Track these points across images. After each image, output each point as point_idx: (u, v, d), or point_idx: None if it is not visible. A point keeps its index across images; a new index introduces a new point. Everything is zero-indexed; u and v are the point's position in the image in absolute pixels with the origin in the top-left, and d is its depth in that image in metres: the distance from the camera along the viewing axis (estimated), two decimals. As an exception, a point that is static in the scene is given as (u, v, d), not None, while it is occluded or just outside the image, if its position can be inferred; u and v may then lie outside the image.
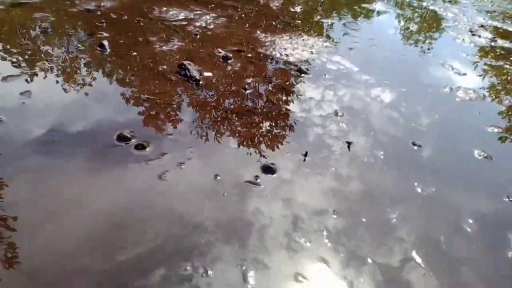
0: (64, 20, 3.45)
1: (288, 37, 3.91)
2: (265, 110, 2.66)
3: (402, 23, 4.94)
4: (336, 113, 2.70)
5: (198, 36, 3.57)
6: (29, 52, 2.89)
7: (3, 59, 2.72)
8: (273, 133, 2.44)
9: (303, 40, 3.90)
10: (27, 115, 2.24)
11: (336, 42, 3.96)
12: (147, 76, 2.84)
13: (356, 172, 2.18)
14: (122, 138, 2.16)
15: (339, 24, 4.53)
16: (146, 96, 2.60)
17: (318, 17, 4.66)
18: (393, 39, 4.31)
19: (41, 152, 2.03)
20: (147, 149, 2.13)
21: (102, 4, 3.82)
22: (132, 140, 2.17)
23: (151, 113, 2.46)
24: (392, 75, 3.37)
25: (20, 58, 2.78)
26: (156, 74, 2.88)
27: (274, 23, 4.27)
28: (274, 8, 4.70)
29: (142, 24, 3.59)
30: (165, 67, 2.98)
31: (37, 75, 2.59)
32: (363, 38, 4.10)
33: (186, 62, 2.96)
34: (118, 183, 1.91)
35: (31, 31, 3.20)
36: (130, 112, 2.44)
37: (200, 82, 2.86)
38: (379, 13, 5.12)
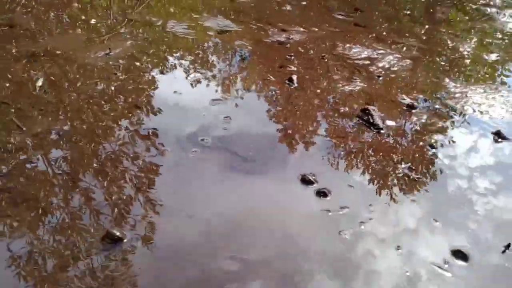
0: (259, 50, 3.79)
1: (482, 90, 3.48)
2: (458, 177, 2.39)
3: None
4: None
5: (381, 78, 3.47)
6: (229, 79, 3.25)
7: (210, 84, 3.12)
8: (468, 213, 2.17)
9: (502, 96, 3.42)
10: (226, 140, 2.50)
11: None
12: (330, 116, 2.88)
13: None
14: (305, 181, 2.21)
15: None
16: (329, 138, 2.63)
17: (521, 68, 4.03)
18: None
19: (228, 177, 2.22)
20: (328, 197, 2.13)
21: (291, 37, 4.06)
22: (314, 184, 2.20)
23: (333, 157, 2.47)
24: None
25: (222, 84, 3.14)
26: (338, 115, 2.89)
27: (464, 70, 3.87)
28: (465, 53, 4.26)
29: (326, 60, 3.68)
30: (347, 109, 2.98)
31: (235, 102, 2.88)
32: None
33: (370, 108, 2.90)
34: (299, 228, 1.95)
35: (231, 58, 3.61)
36: (312, 153, 2.50)
37: (382, 131, 2.75)
38: None
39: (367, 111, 2.88)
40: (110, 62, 3.18)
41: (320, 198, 2.13)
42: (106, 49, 3.36)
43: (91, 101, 2.69)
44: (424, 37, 4.59)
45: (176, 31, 3.94)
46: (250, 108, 2.86)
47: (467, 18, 5.72)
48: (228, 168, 2.28)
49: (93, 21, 3.93)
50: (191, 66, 3.29)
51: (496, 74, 3.90)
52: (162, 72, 3.16)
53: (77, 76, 2.95)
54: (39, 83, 2.70)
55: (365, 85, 3.33)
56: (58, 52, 3.24)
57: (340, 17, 4.92)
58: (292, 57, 3.67)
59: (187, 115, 2.70)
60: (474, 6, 6.31)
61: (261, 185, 2.20)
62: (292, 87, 3.20)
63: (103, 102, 2.69)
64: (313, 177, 2.24)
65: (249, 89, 3.09)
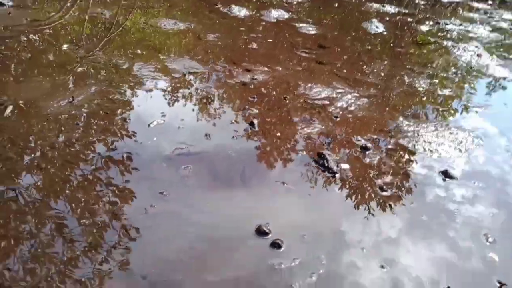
0: (223, 92, 3.91)
1: (433, 128, 3.69)
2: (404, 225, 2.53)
3: None
4: (486, 238, 2.41)
5: (338, 119, 3.64)
6: (192, 126, 3.34)
7: (171, 132, 3.20)
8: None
9: (451, 133, 3.63)
10: (185, 192, 2.57)
11: (491, 139, 3.58)
12: (287, 161, 3.00)
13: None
14: (261, 232, 2.30)
15: (502, 114, 4.09)
16: (286, 185, 2.73)
17: (470, 104, 4.30)
18: None
19: (185, 231, 2.29)
20: (281, 249, 2.22)
21: (255, 77, 4.22)
22: (269, 235, 2.29)
23: (287, 206, 2.57)
24: None
25: (184, 132, 3.23)
26: (295, 160, 3.02)
27: (418, 108, 4.10)
28: (420, 89, 4.52)
29: (287, 101, 3.83)
30: (304, 153, 3.11)
31: (197, 151, 2.97)
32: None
33: (326, 152, 3.04)
34: (251, 282, 2.03)
35: (194, 103, 3.71)
36: (270, 201, 2.60)
37: (337, 175, 2.89)
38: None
39: (322, 156, 3.01)
40: (73, 111, 3.23)
41: (274, 249, 2.22)
42: (70, 96, 3.41)
43: (50, 155, 2.73)
44: (382, 74, 4.85)
45: (142, 74, 4.03)
46: (211, 157, 2.94)
47: (425, 52, 6.07)
48: (185, 223, 2.35)
49: (58, 64, 3.99)
50: (154, 113, 3.37)
51: (448, 110, 4.15)
52: (124, 120, 3.23)
53: (38, 128, 2.98)
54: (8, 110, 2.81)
55: (323, 127, 3.48)
56: (21, 101, 3.28)
57: (304, 54, 5.14)
58: (255, 99, 3.81)
59: (147, 166, 2.76)
60: (432, 39, 6.70)
61: (215, 238, 2.27)
62: (254, 130, 3.32)
63: (59, 156, 2.73)
64: (268, 228, 2.33)
65: (210, 136, 3.18)
